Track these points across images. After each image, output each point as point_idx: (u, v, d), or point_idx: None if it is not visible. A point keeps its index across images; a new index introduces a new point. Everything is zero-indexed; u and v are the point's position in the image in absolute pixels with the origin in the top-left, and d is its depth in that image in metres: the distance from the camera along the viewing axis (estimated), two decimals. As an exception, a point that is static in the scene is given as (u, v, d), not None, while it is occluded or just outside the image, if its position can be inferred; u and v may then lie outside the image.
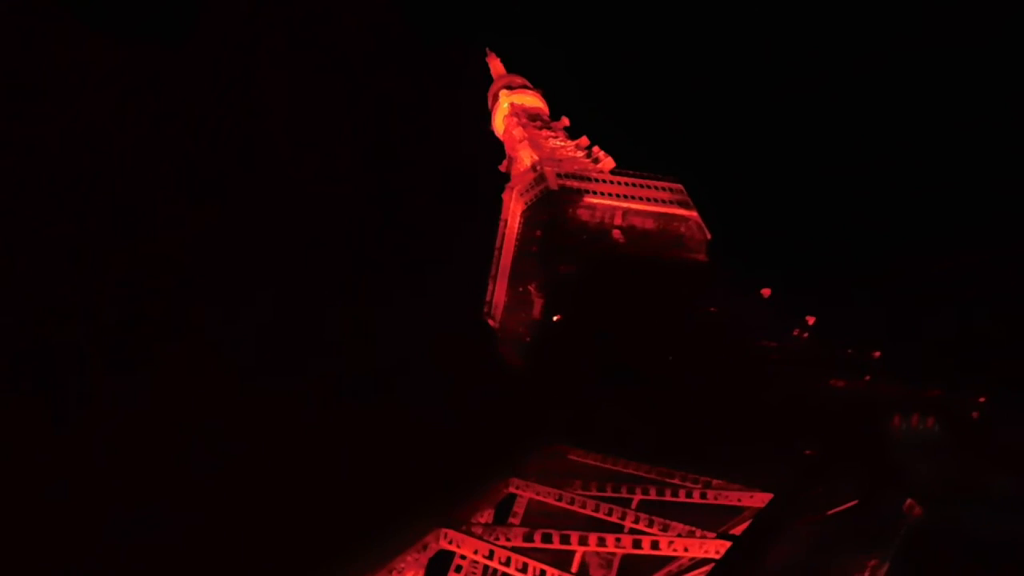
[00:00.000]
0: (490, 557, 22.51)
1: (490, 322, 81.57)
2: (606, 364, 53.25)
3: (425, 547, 23.25)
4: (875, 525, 21.10)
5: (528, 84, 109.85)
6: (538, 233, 75.17)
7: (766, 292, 66.01)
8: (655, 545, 22.83)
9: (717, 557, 21.43)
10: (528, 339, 74.05)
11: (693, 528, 22.88)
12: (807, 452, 40.90)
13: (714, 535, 22.56)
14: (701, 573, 26.49)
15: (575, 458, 31.65)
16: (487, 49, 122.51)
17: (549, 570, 20.49)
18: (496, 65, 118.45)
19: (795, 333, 61.11)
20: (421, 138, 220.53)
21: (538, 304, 73.12)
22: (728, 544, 21.58)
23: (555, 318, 64.69)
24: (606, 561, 32.00)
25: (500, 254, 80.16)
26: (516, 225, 78.24)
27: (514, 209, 79.07)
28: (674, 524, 23.24)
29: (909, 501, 21.96)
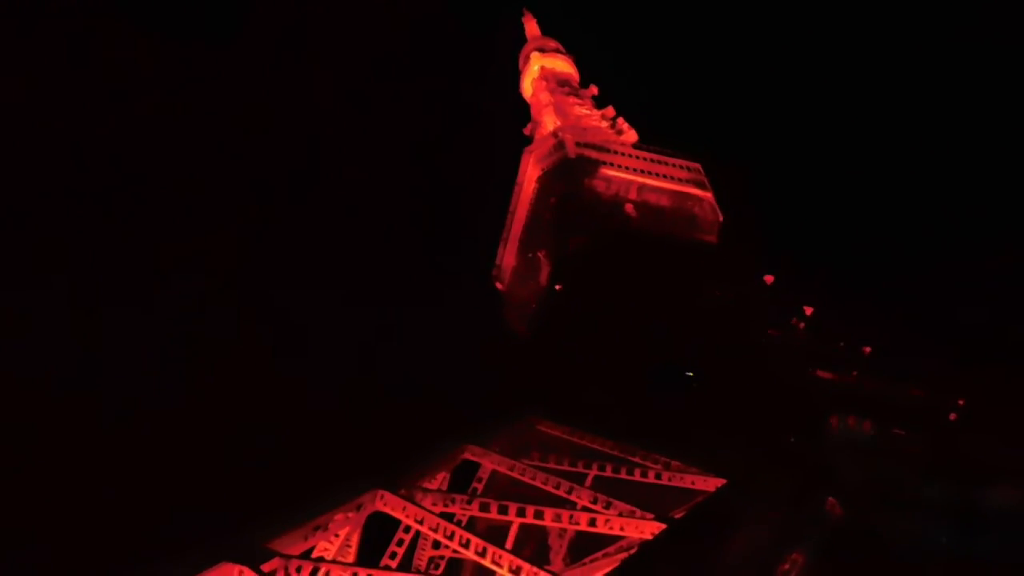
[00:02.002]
0: (422, 522, 23.67)
1: (498, 285, 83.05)
2: (604, 340, 54.62)
3: (359, 507, 24.41)
4: (802, 521, 22.41)
5: (561, 48, 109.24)
6: (552, 200, 75.97)
7: (769, 279, 66.70)
8: (592, 523, 24.22)
9: (648, 538, 22.91)
10: (534, 306, 75.50)
11: (634, 508, 24.27)
12: (791, 439, 42.36)
13: (652, 517, 23.95)
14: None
15: (543, 429, 33.12)
16: (524, 9, 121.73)
17: (474, 540, 21.80)
18: (531, 26, 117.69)
19: (793, 322, 61.98)
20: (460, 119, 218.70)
21: (546, 271, 74.39)
22: (662, 527, 23.03)
23: (556, 287, 66.01)
24: (561, 533, 33.56)
25: (513, 218, 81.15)
26: (531, 190, 79.07)
27: (531, 174, 79.79)
28: (616, 503, 24.61)
29: (831, 500, 23.23)
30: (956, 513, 25.50)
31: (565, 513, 24.54)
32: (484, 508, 25.22)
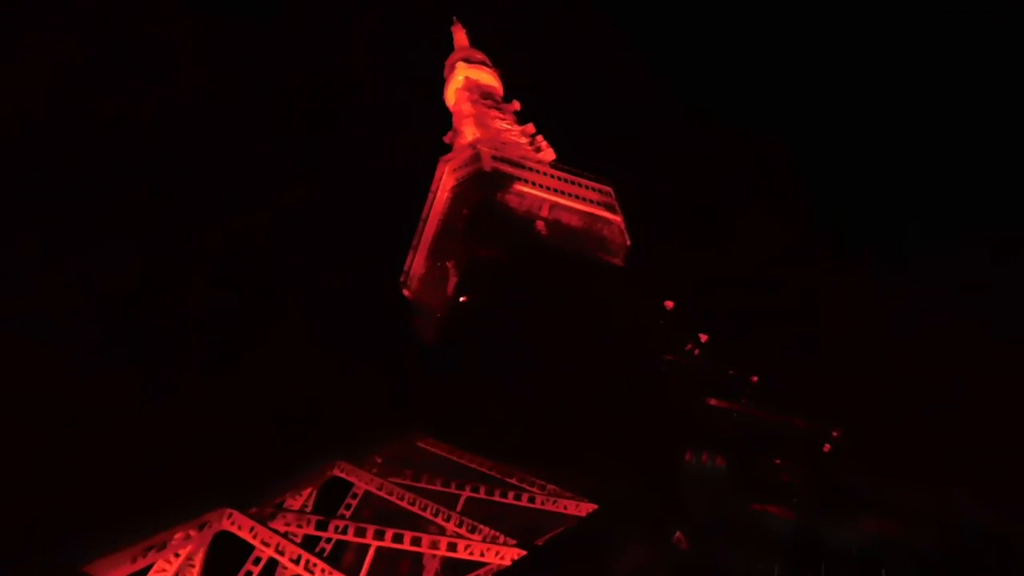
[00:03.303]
0: (268, 545, 22.72)
1: (405, 292, 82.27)
2: (500, 355, 54.57)
3: (203, 526, 23.34)
4: (652, 553, 22.77)
5: (487, 61, 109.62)
6: (464, 211, 75.88)
7: (670, 304, 68.31)
8: (452, 547, 23.91)
9: (506, 565, 22.80)
10: (440, 315, 75.09)
11: (498, 534, 24.09)
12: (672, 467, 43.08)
13: (515, 542, 23.84)
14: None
15: (424, 446, 32.70)
16: (454, 18, 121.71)
17: (320, 564, 21.12)
18: (460, 36, 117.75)
19: (687, 348, 63.61)
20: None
21: (454, 281, 74.11)
22: (522, 553, 22.96)
23: (461, 299, 65.81)
24: (431, 557, 33.15)
25: (424, 225, 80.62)
26: (445, 199, 78.74)
27: (445, 183, 79.46)
28: (482, 527, 24.40)
29: (678, 534, 23.71)
30: (794, 547, 26.49)
31: (427, 537, 24.08)
32: (341, 530, 24.52)
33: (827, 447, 50.50)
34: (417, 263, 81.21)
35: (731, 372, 59.33)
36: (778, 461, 43.88)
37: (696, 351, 63.29)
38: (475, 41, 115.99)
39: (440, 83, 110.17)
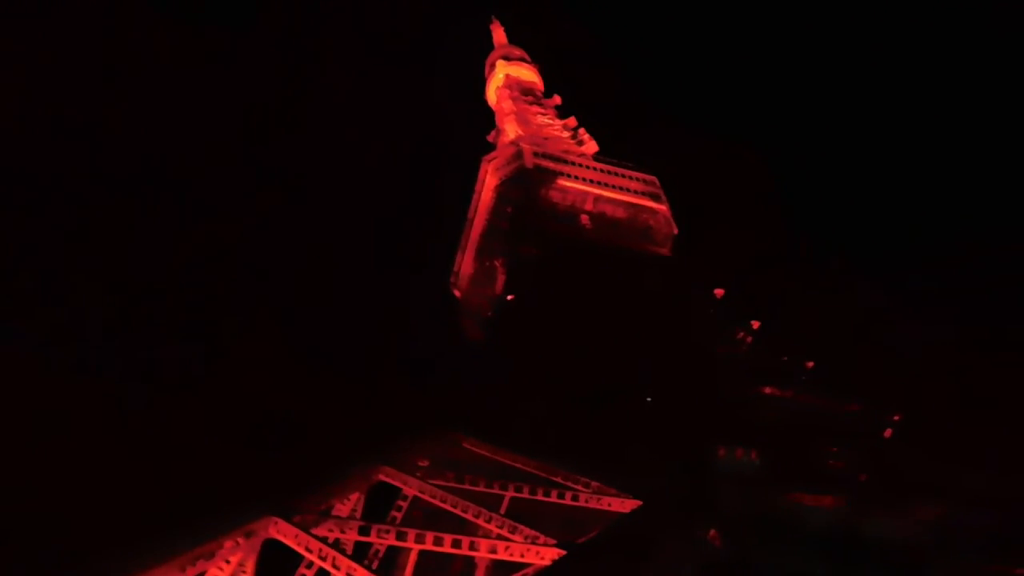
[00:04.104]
0: (312, 552, 23.23)
1: (455, 292, 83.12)
2: (544, 351, 54.73)
3: (249, 534, 23.67)
4: (687, 550, 22.72)
5: (527, 57, 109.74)
6: (508, 209, 76.20)
7: (719, 292, 67.43)
8: (493, 550, 24.25)
9: (546, 565, 23.06)
10: (489, 314, 75.65)
11: (538, 534, 24.35)
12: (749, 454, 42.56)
13: (555, 543, 24.08)
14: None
15: (468, 447, 33.16)
16: (492, 16, 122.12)
17: (360, 570, 21.56)
18: (499, 34, 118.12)
19: (739, 336, 62.73)
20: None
21: (502, 280, 74.55)
22: (561, 553, 23.19)
23: (508, 297, 66.18)
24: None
25: (471, 225, 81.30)
26: (489, 198, 79.24)
27: (489, 182, 79.95)
28: (522, 528, 24.69)
29: (712, 532, 23.55)
30: (836, 544, 25.94)
31: (466, 539, 24.51)
32: (384, 534, 25.13)
33: (887, 432, 49.28)
34: (466, 263, 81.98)
35: (784, 358, 58.35)
36: (833, 448, 43.05)
37: (748, 339, 62.39)
38: (513, 37, 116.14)
39: (482, 82, 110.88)
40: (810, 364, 57.31)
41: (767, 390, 54.57)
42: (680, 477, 31.79)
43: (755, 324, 62.79)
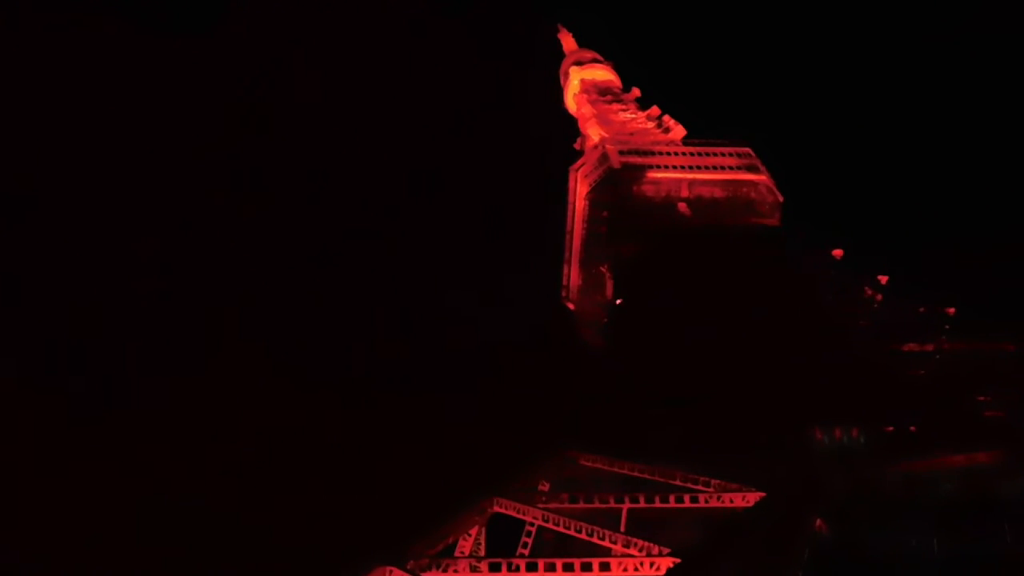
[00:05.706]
0: None
1: (569, 305, 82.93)
2: (665, 353, 53.14)
3: None
4: (791, 540, 21.29)
5: (599, 57, 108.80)
6: (604, 214, 75.50)
7: (838, 253, 63.66)
8: (606, 567, 23.80)
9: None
10: (605, 320, 74.87)
11: (651, 545, 23.71)
12: (912, 429, 39.66)
13: (668, 551, 23.34)
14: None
15: (582, 463, 32.86)
16: (559, 25, 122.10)
17: None
18: (568, 41, 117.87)
19: (868, 293, 58.76)
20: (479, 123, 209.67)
21: (611, 285, 73.75)
22: (673, 563, 22.44)
23: (617, 302, 65.31)
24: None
25: (571, 236, 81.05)
26: (583, 207, 78.85)
27: (580, 190, 79.64)
28: (637, 541, 24.11)
29: (819, 522, 21.94)
30: (947, 516, 23.36)
31: (577, 561, 24.17)
32: (494, 568, 25.09)
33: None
34: (574, 275, 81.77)
35: (922, 309, 54.08)
36: (983, 398, 39.28)
37: (878, 296, 58.35)
38: (582, 40, 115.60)
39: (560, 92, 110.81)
40: (951, 310, 52.80)
41: (908, 347, 50.72)
42: (799, 463, 29.96)
43: (883, 279, 58.69)
